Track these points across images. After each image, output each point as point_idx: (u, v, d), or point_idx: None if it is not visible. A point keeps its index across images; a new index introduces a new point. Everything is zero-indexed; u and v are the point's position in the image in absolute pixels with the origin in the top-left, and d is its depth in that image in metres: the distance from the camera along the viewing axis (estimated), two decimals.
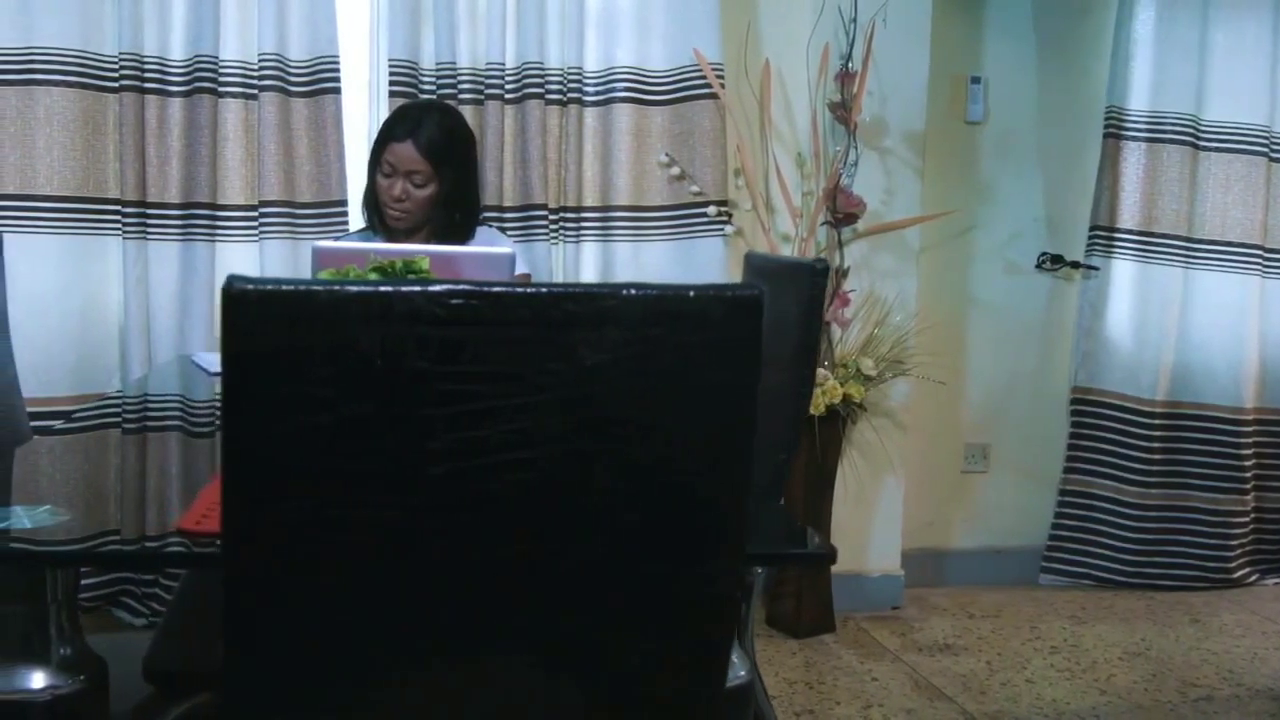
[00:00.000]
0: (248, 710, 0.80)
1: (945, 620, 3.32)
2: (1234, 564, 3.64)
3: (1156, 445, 3.56)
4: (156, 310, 2.92)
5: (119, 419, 1.90)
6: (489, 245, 2.55)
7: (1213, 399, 3.57)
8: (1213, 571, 3.61)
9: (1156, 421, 3.56)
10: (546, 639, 0.86)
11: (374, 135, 3.13)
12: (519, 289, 0.79)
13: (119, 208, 2.89)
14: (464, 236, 2.53)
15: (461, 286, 0.76)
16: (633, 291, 0.82)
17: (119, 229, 2.90)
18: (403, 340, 0.75)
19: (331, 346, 0.74)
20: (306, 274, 2.95)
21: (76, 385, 2.89)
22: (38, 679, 1.18)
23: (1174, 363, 3.55)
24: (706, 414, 0.86)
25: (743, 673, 1.26)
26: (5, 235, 2.81)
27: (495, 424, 0.79)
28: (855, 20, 3.04)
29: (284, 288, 0.73)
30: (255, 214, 2.94)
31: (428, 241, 2.51)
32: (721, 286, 0.85)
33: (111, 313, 2.96)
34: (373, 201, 2.52)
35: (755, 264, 1.91)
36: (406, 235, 2.50)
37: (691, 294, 0.84)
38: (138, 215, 2.89)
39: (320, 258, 2.03)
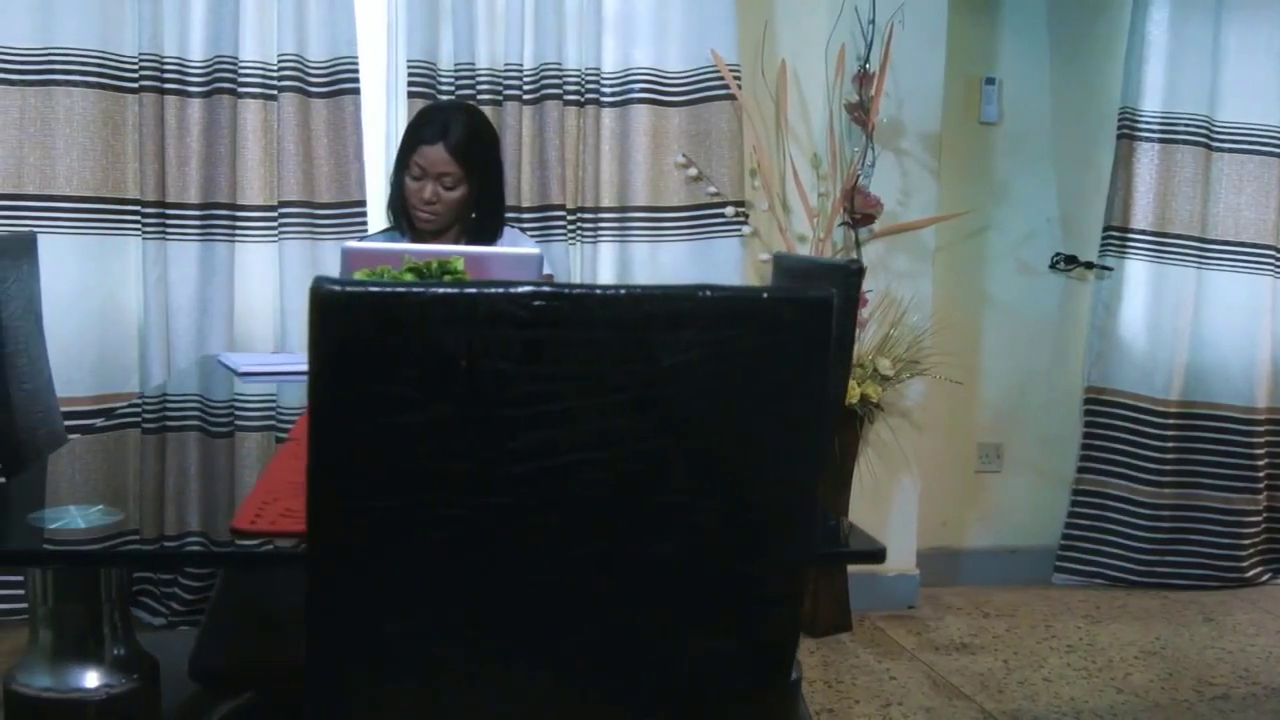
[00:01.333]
0: (329, 705, 0.81)
1: (961, 619, 3.33)
2: (1246, 563, 3.65)
3: (1170, 445, 3.58)
4: (176, 310, 2.92)
5: (144, 420, 1.90)
6: (514, 246, 2.55)
7: (1226, 399, 3.59)
8: (1225, 571, 3.63)
9: (1170, 421, 3.57)
10: (620, 635, 0.87)
11: (392, 136, 3.14)
12: (599, 290, 0.79)
13: (138, 208, 2.90)
14: (491, 237, 2.54)
15: (544, 289, 0.77)
16: (708, 293, 0.83)
17: (138, 229, 2.90)
18: (486, 341, 0.76)
19: (417, 348, 0.75)
20: (327, 274, 2.96)
21: (96, 385, 2.90)
22: (92, 678, 1.18)
23: (1187, 362, 3.57)
24: (778, 414, 0.87)
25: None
26: None
27: (574, 424, 0.80)
28: (874, 22, 3.05)
29: (372, 289, 0.74)
30: (274, 214, 2.94)
31: (455, 242, 2.51)
32: (793, 289, 0.86)
33: (131, 313, 2.96)
34: (400, 204, 2.51)
35: (786, 265, 1.91)
36: (434, 236, 2.50)
37: (764, 295, 0.85)
38: (157, 215, 2.89)
39: (350, 258, 2.03)
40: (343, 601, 0.79)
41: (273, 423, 1.88)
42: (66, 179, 2.84)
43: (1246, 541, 3.64)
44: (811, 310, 0.86)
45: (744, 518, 0.88)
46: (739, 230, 3.14)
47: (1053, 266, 3.62)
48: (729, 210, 3.11)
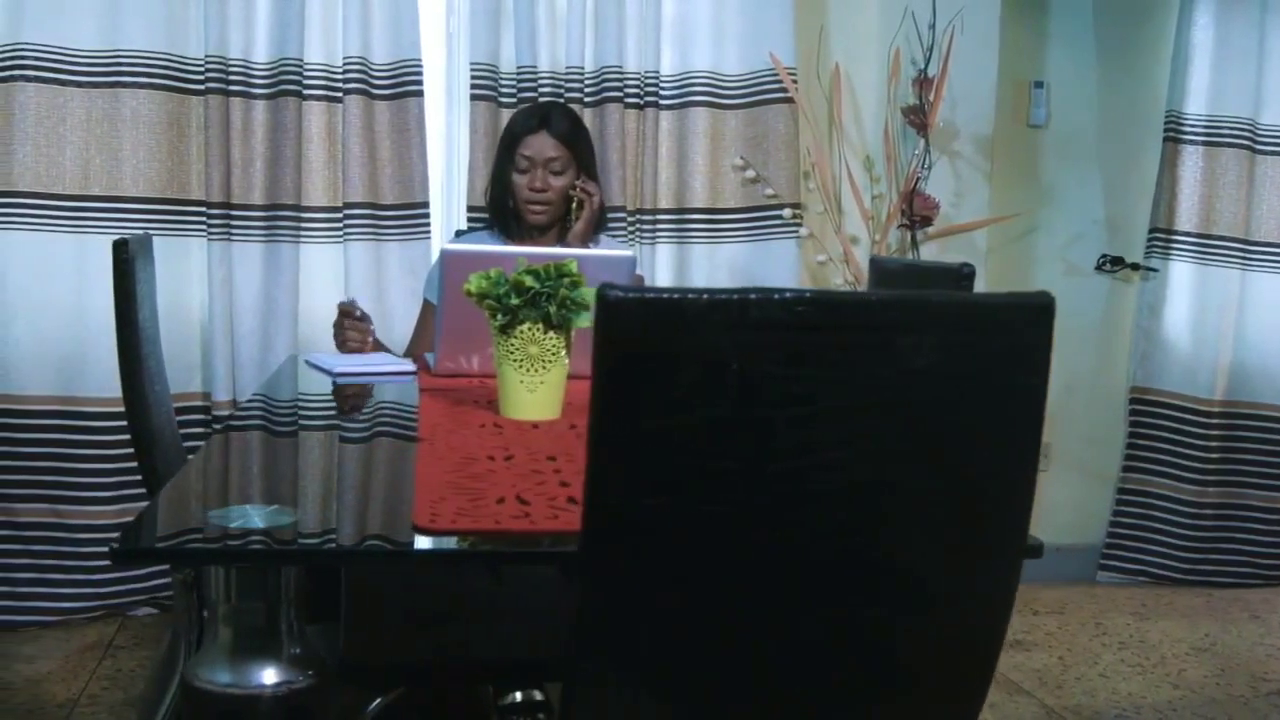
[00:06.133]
0: (595, 697, 0.84)
1: (1012, 616, 3.36)
2: None
3: (1213, 444, 3.61)
4: (240, 311, 2.94)
5: (268, 421, 1.92)
6: (605, 249, 2.58)
7: (1269, 398, 3.62)
8: (1267, 569, 3.67)
9: (1214, 421, 3.61)
10: (854, 627, 0.90)
11: (454, 138, 3.17)
12: (852, 296, 0.82)
13: (203, 209, 2.91)
14: (598, 230, 2.59)
15: (807, 294, 0.80)
16: (946, 299, 0.85)
17: (204, 230, 2.92)
18: (756, 345, 0.79)
19: (695, 351, 0.78)
20: (390, 277, 2.98)
21: None
22: (270, 674, 1.21)
23: (1231, 363, 3.61)
24: (1005, 415, 0.90)
25: None
26: (94, 237, 2.84)
27: (827, 425, 0.83)
28: (933, 27, 3.08)
29: (656, 295, 0.76)
30: (339, 216, 2.96)
31: (559, 240, 2.53)
32: (1019, 294, 0.89)
33: (195, 313, 2.98)
34: (503, 204, 2.54)
35: (888, 268, 1.93)
36: (540, 232, 2.53)
37: (995, 301, 0.88)
38: (222, 216, 2.91)
39: (450, 262, 2.06)
40: (615, 598, 0.82)
41: (406, 423, 1.87)
42: (132, 180, 2.86)
43: None
44: (1038, 314, 0.88)
45: (969, 515, 0.90)
46: (795, 232, 3.16)
47: (1099, 268, 3.66)
48: (787, 212, 3.13)
